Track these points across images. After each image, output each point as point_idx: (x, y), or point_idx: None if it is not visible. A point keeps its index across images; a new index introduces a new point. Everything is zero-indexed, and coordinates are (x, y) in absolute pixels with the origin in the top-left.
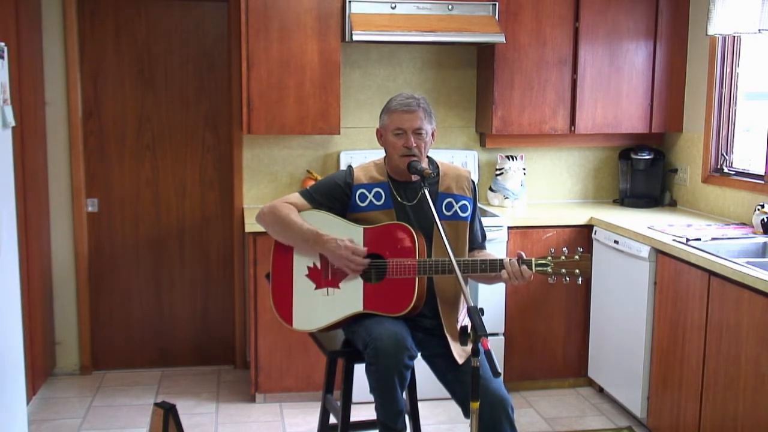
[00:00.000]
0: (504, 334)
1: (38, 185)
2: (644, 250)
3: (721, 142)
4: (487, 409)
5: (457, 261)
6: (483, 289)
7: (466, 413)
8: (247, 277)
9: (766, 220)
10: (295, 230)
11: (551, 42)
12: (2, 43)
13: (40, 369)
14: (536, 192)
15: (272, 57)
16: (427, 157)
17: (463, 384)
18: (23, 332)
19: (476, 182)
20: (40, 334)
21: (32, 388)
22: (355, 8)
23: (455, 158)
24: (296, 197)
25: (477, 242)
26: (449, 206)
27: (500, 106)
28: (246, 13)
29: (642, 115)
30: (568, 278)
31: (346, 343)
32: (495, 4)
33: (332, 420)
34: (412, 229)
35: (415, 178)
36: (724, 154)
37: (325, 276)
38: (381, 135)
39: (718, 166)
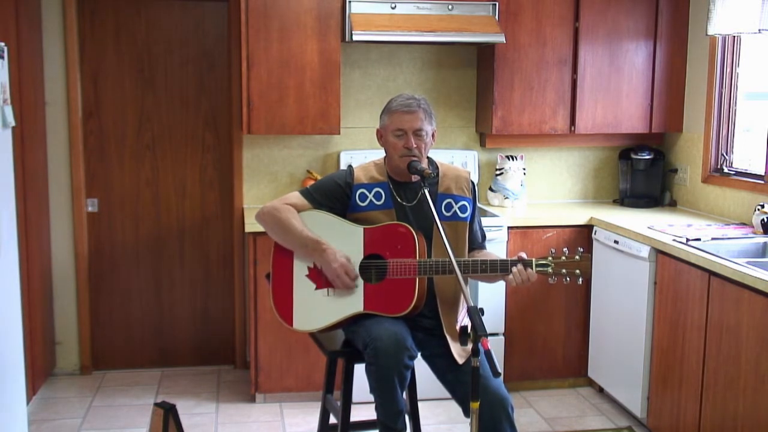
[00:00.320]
0: (504, 334)
1: (38, 185)
2: (644, 250)
3: (721, 142)
4: (487, 409)
5: (457, 261)
6: (483, 289)
7: (466, 413)
8: (247, 277)
9: (766, 220)
10: (294, 235)
11: (551, 42)
12: (2, 43)
13: (40, 369)
14: (536, 192)
15: (272, 57)
16: (427, 157)
17: (463, 384)
18: (23, 332)
19: (476, 182)
20: (40, 334)
21: (32, 388)
22: (355, 8)
23: (455, 158)
24: (296, 197)
25: (477, 242)
26: (449, 207)
27: (500, 106)
28: (246, 13)
29: (642, 115)
30: (568, 278)
31: (346, 343)
32: (495, 4)
33: (332, 420)
34: (412, 230)
35: (415, 178)
36: (724, 154)
37: (326, 276)
38: (381, 135)
39: (718, 166)
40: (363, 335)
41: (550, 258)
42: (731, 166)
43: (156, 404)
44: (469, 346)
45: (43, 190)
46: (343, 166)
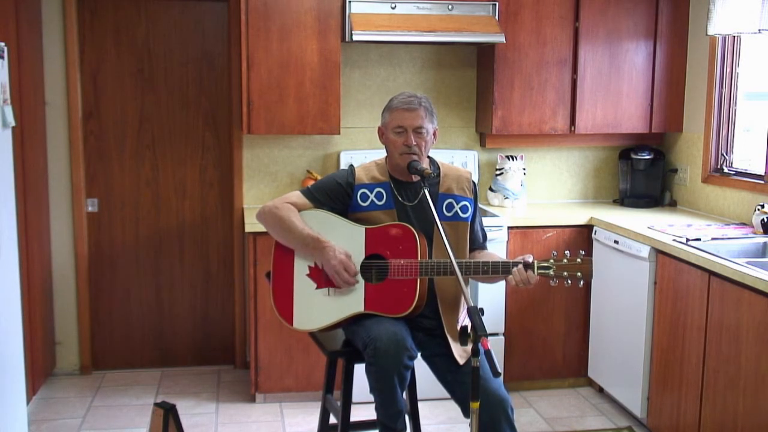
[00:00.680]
0: (504, 334)
1: (38, 185)
2: (644, 250)
3: (721, 142)
4: (487, 409)
5: (458, 262)
6: (483, 289)
7: (466, 413)
8: (247, 277)
9: (766, 220)
10: (295, 233)
11: (551, 42)
12: (2, 43)
13: (40, 369)
14: (536, 192)
15: (272, 57)
16: (428, 157)
17: (462, 384)
18: (23, 332)
19: (476, 182)
20: (40, 334)
21: (32, 388)
22: (355, 8)
23: (455, 158)
24: (297, 196)
25: (478, 242)
26: (450, 207)
27: (500, 106)
28: (246, 13)
29: (642, 115)
30: (570, 281)
31: (346, 343)
32: (495, 4)
33: (332, 420)
34: (413, 230)
35: (415, 178)
36: (724, 154)
37: (326, 276)
38: (382, 133)
39: (718, 166)
40: (363, 335)
41: (551, 260)
42: (731, 166)
43: (156, 404)
44: (469, 346)
45: (43, 190)
46: (343, 166)
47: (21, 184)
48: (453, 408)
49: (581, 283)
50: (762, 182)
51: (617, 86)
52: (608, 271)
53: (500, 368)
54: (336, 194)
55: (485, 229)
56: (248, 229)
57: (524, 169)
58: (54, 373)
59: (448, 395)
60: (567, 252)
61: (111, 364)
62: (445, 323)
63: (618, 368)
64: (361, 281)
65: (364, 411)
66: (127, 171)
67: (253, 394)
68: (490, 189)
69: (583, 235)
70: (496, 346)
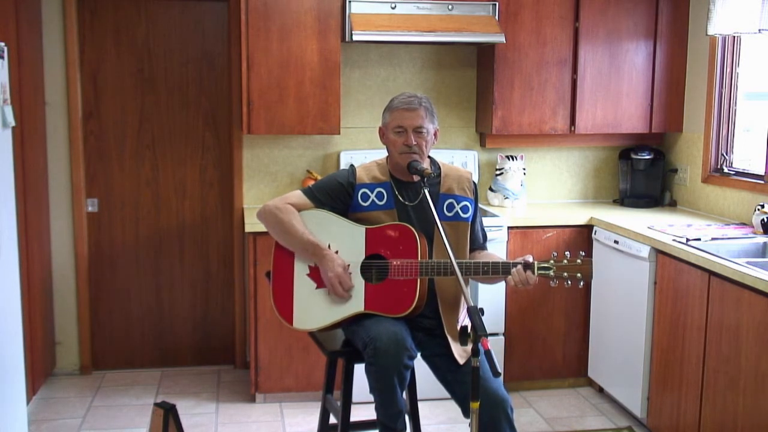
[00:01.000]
0: (504, 334)
1: (38, 185)
2: (644, 250)
3: (721, 142)
4: (487, 409)
5: (458, 263)
6: (483, 289)
7: (466, 413)
8: (247, 277)
9: (766, 220)
10: (295, 237)
11: (551, 42)
12: (2, 43)
13: (40, 369)
14: (536, 192)
15: (272, 57)
16: (429, 157)
17: (462, 384)
18: (23, 332)
19: (476, 182)
20: (40, 334)
21: (32, 388)
22: (355, 8)
23: (455, 158)
24: (298, 195)
25: (478, 243)
26: (450, 207)
27: (500, 106)
28: (246, 13)
29: (642, 115)
30: (570, 282)
31: (346, 343)
32: (495, 4)
33: (332, 420)
34: (414, 230)
35: (416, 178)
36: (724, 154)
37: None
38: (383, 133)
39: (718, 166)
40: (362, 335)
41: (552, 261)
42: (731, 166)
43: (156, 404)
44: (469, 346)
45: (43, 190)
46: (343, 166)
47: (21, 184)
48: (453, 408)
49: (581, 284)
50: (762, 182)
51: (617, 86)
52: (608, 271)
53: (500, 368)
54: (337, 194)
55: (485, 229)
56: (248, 229)
57: (524, 169)
58: (54, 373)
59: (448, 395)
60: (567, 253)
61: (111, 364)
62: (445, 323)
63: (618, 368)
64: (361, 281)
65: (364, 411)
66: (127, 171)
67: (253, 394)
68: (490, 189)
69: (583, 235)
70: (496, 346)
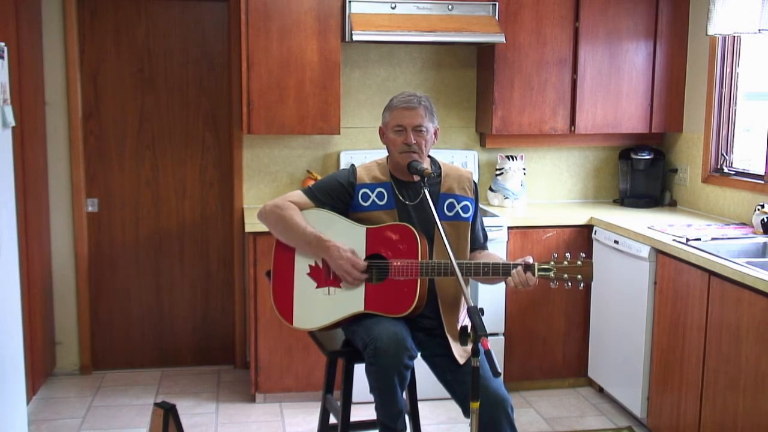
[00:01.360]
0: (504, 334)
1: (38, 185)
2: (644, 250)
3: (721, 142)
4: (487, 409)
5: (458, 263)
6: (483, 289)
7: (466, 413)
8: (247, 277)
9: (766, 220)
10: (297, 232)
11: (551, 42)
12: (2, 43)
13: (40, 369)
14: (536, 192)
15: (272, 57)
16: (429, 157)
17: (463, 384)
18: (23, 332)
19: (476, 182)
20: (40, 334)
21: (32, 388)
22: (355, 8)
23: (455, 158)
24: (299, 195)
25: (478, 242)
26: (451, 207)
27: (500, 106)
28: (246, 13)
29: (642, 115)
30: (570, 283)
31: (346, 343)
32: (495, 4)
33: (332, 420)
34: (414, 230)
35: (416, 178)
36: (724, 154)
37: (327, 275)
38: (383, 133)
39: (718, 166)
40: (363, 335)
41: (552, 263)
42: (731, 166)
43: (156, 404)
44: (469, 346)
45: (43, 190)
46: (343, 166)
47: (21, 184)
48: (453, 408)
49: (581, 285)
50: (762, 182)
51: (617, 86)
52: (608, 271)
53: (500, 368)
54: (337, 194)
55: (485, 229)
56: (248, 229)
57: (524, 169)
58: (54, 373)
59: (448, 395)
60: (568, 254)
61: (111, 364)
62: (446, 323)
63: (618, 368)
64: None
65: (364, 411)
66: (127, 171)
67: (253, 394)
68: (490, 189)
69: (583, 235)
70: (496, 346)
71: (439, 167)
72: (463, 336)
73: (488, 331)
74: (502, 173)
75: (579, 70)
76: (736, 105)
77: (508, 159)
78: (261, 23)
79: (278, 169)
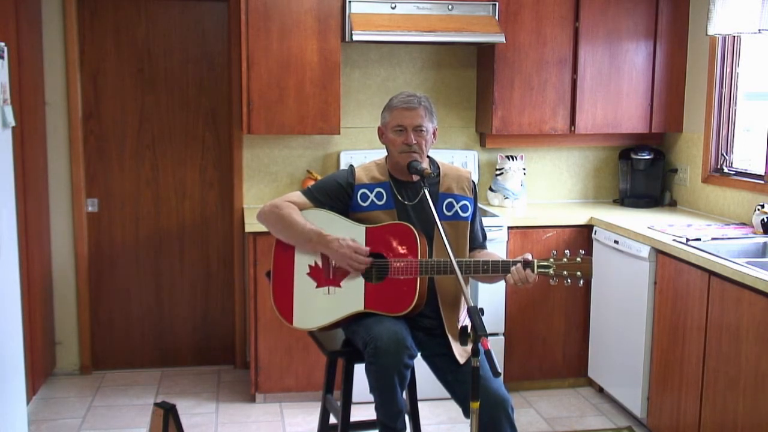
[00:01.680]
0: (504, 334)
1: (38, 185)
2: (644, 250)
3: (721, 142)
4: (487, 409)
5: (458, 261)
6: (483, 289)
7: (466, 413)
8: (247, 277)
9: (766, 220)
10: (297, 230)
11: (551, 42)
12: (2, 43)
13: (40, 369)
14: (536, 192)
15: (272, 57)
16: (428, 157)
17: (463, 384)
18: (23, 332)
19: (476, 182)
20: (40, 334)
21: (32, 388)
22: (355, 8)
23: (455, 158)
24: (298, 196)
25: (478, 242)
26: (450, 206)
27: (500, 106)
28: (246, 13)
29: (642, 115)
30: (570, 280)
31: (346, 342)
32: (495, 4)
33: (332, 420)
34: (414, 230)
35: (416, 177)
36: (724, 154)
37: (327, 275)
38: (382, 133)
39: (718, 166)
40: (363, 334)
41: (551, 259)
42: (731, 166)
43: (156, 404)
44: (470, 346)
45: (43, 190)
46: (343, 166)
47: (21, 184)
48: (453, 408)
49: (581, 282)
50: (762, 182)
51: (617, 86)
52: (608, 271)
53: (500, 368)
54: (336, 194)
55: (485, 228)
56: (248, 229)
57: (524, 169)
58: (54, 373)
59: (448, 395)
60: (567, 251)
61: (111, 364)
62: (446, 323)
63: (618, 368)
64: (361, 280)
65: (364, 411)
66: (127, 171)
67: (253, 394)
68: (490, 189)
69: (583, 235)
70: (496, 346)
71: (438, 167)
72: (463, 336)
73: (488, 331)
74: (502, 173)
75: (579, 70)
76: (736, 105)
77: (508, 159)
78: (261, 23)
79: (278, 169)
